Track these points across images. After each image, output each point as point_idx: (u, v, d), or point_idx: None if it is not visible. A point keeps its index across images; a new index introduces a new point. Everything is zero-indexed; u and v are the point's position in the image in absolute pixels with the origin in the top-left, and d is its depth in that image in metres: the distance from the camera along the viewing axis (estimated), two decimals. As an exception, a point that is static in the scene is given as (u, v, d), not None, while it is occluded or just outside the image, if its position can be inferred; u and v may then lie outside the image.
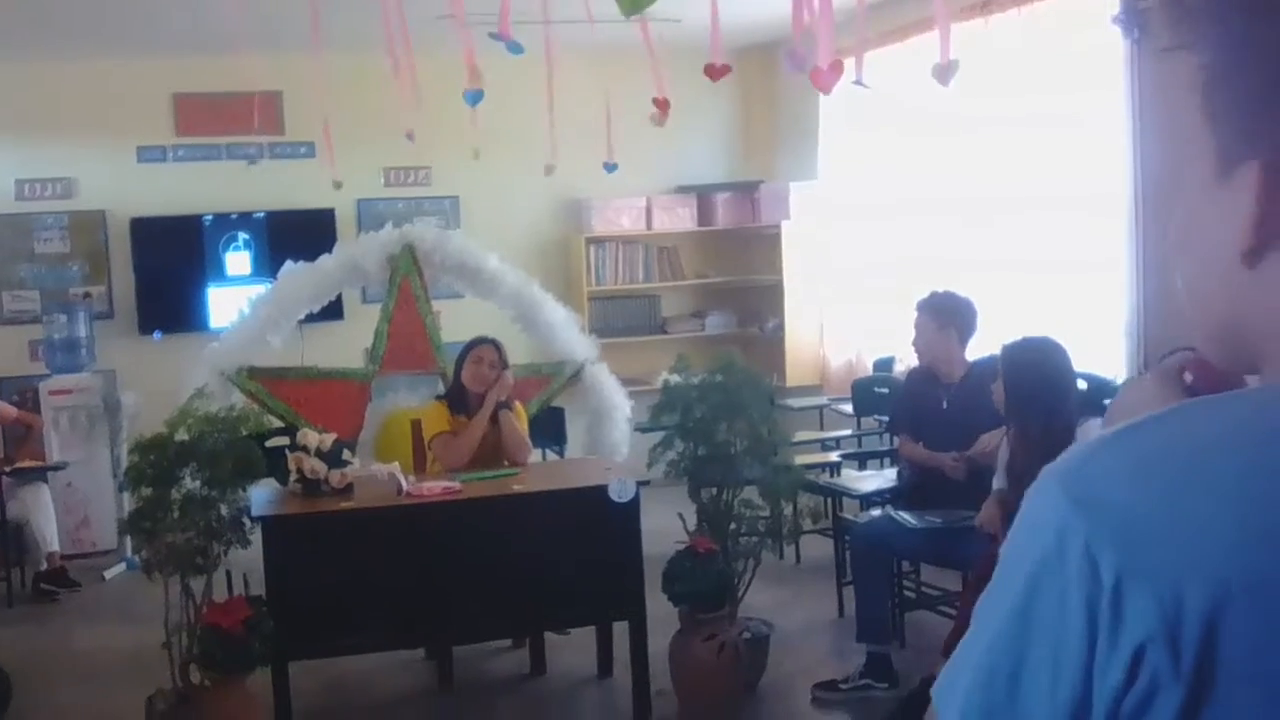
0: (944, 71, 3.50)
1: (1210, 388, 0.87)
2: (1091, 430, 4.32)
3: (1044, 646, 0.74)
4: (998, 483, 4.61)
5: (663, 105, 4.50)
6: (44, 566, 6.85)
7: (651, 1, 2.82)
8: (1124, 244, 5.52)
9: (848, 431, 7.28)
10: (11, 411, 7.26)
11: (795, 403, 7.55)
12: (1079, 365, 4.63)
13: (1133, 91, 5.40)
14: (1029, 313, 5.90)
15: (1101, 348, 5.65)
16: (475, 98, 4.13)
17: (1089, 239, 5.87)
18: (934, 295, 5.27)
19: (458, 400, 5.31)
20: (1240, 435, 0.75)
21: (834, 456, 6.73)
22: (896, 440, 5.72)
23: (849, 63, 3.69)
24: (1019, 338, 4.46)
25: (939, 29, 3.53)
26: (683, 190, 8.91)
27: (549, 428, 6.39)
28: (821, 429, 7.62)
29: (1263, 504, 0.71)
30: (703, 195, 8.89)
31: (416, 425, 5.42)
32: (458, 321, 6.23)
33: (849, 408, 7.25)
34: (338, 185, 5.98)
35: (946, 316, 5.19)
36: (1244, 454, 0.73)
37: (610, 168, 5.71)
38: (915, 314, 5.28)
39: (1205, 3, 0.79)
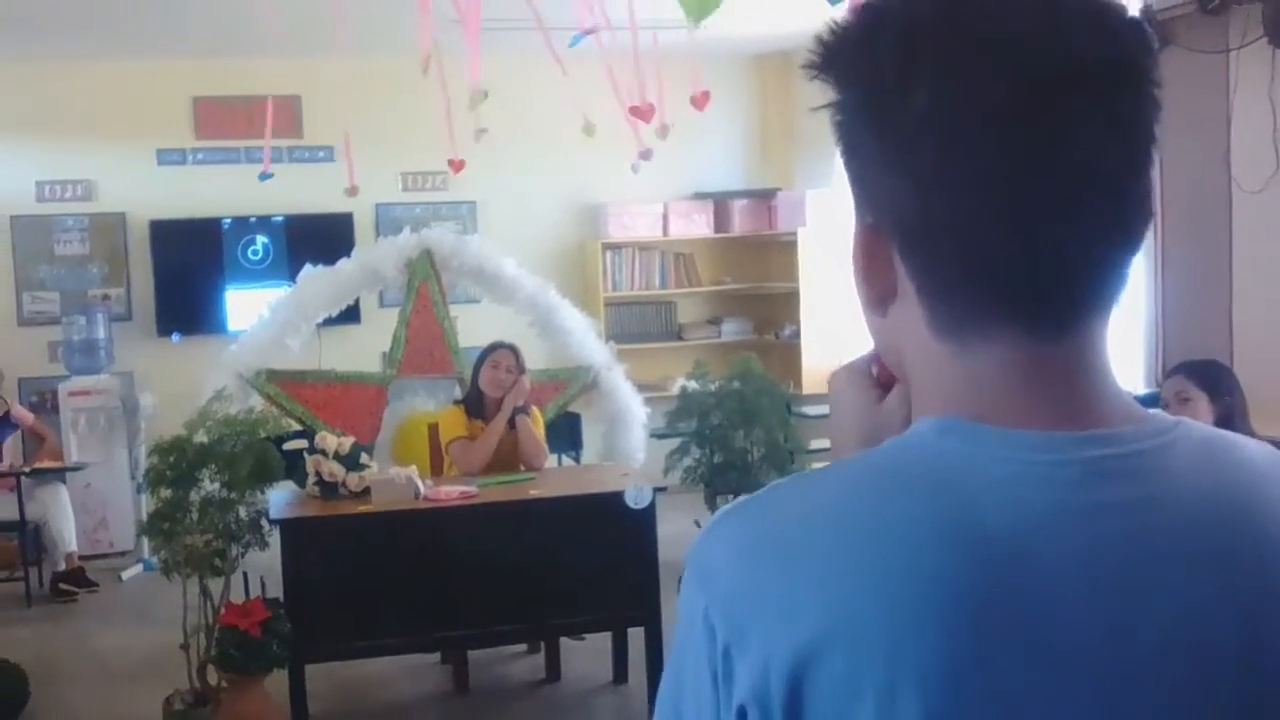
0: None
1: (892, 379, 0.93)
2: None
3: (689, 699, 0.81)
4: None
5: (701, 100, 4.48)
6: (62, 567, 6.88)
7: (717, 6, 2.83)
8: (1143, 253, 5.52)
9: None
10: (29, 418, 7.29)
11: (812, 410, 7.54)
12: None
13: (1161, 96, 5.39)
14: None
15: (1119, 356, 5.65)
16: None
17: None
18: None
19: (475, 405, 5.33)
20: (830, 509, 0.79)
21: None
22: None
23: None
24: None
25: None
26: (699, 197, 8.91)
27: (565, 433, 6.40)
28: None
29: (847, 570, 0.76)
30: (719, 202, 8.89)
31: (434, 429, 5.44)
32: (474, 326, 6.24)
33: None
34: (352, 192, 5.98)
35: None
36: (829, 528, 0.78)
37: (642, 161, 5.65)
38: None
39: (835, 51, 0.84)
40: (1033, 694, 0.74)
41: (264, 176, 6.48)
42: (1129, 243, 0.81)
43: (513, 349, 5.37)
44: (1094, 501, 0.77)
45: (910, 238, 0.81)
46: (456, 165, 5.50)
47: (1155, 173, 0.82)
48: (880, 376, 0.95)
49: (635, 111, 4.94)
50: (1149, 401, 5.02)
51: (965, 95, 0.76)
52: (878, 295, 0.85)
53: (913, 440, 0.82)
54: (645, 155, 5.50)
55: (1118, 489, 0.78)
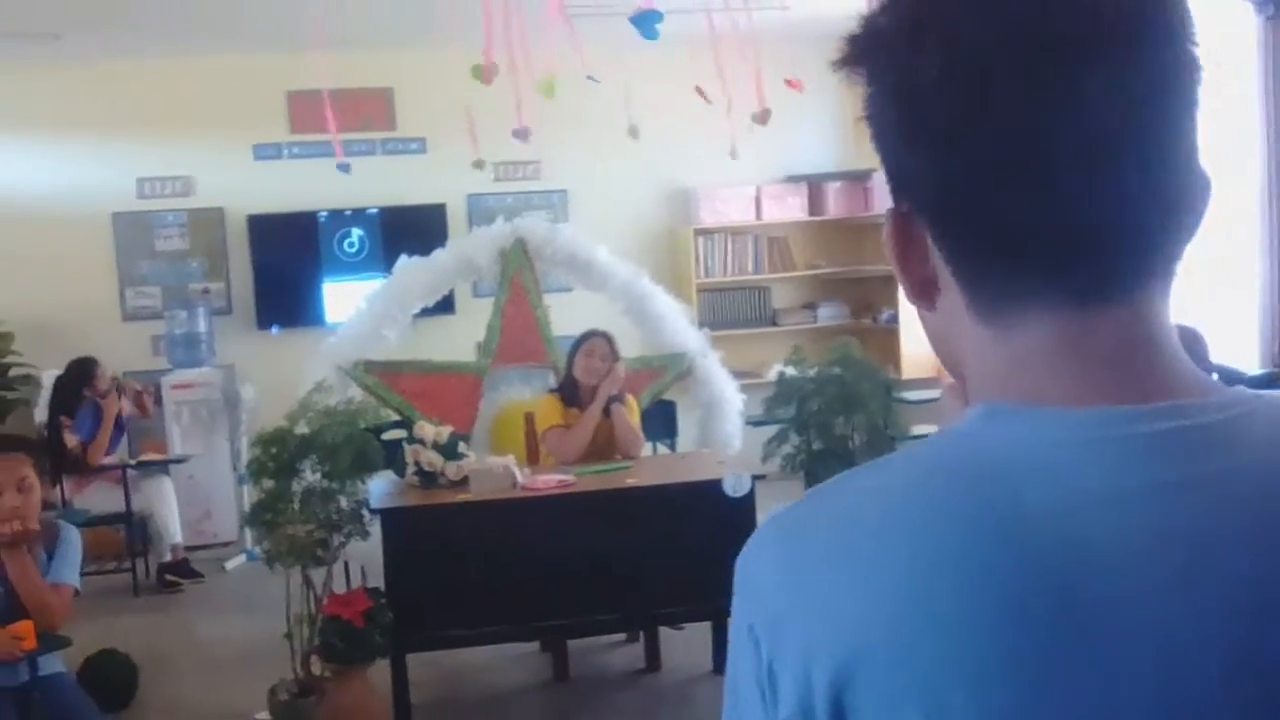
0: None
1: None
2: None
3: (742, 708, 0.80)
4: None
5: (797, 85, 4.43)
6: (168, 558, 7.00)
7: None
8: (1257, 234, 5.33)
9: (965, 424, 7.13)
10: (127, 405, 7.35)
11: (912, 395, 7.41)
12: (1215, 357, 4.51)
13: (1266, 71, 5.20)
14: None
15: (1233, 340, 5.46)
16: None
17: (1220, 228, 5.68)
18: None
19: (570, 393, 5.30)
20: (870, 510, 0.77)
21: (952, 450, 6.59)
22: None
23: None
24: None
25: None
26: (793, 179, 8.81)
27: (660, 421, 6.35)
28: (940, 422, 7.47)
29: (888, 573, 0.73)
30: (813, 184, 8.78)
31: (530, 418, 5.42)
32: (567, 315, 6.22)
33: (966, 400, 7.10)
34: (479, 165, 5.92)
35: None
36: (869, 530, 0.75)
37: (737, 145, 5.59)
38: None
39: (861, 44, 0.84)
40: (1088, 684, 0.70)
41: (342, 167, 6.50)
42: (1170, 212, 0.77)
43: (607, 337, 5.35)
44: (1156, 480, 0.72)
45: (936, 217, 0.80)
46: (523, 133, 5.50)
47: (1197, 137, 0.77)
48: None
49: (792, 85, 4.87)
50: (1262, 383, 4.87)
51: (970, 58, 0.75)
52: (917, 285, 0.83)
53: (957, 430, 0.79)
54: (762, 118, 5.36)
55: (1183, 465, 0.73)
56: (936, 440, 0.80)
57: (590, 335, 5.37)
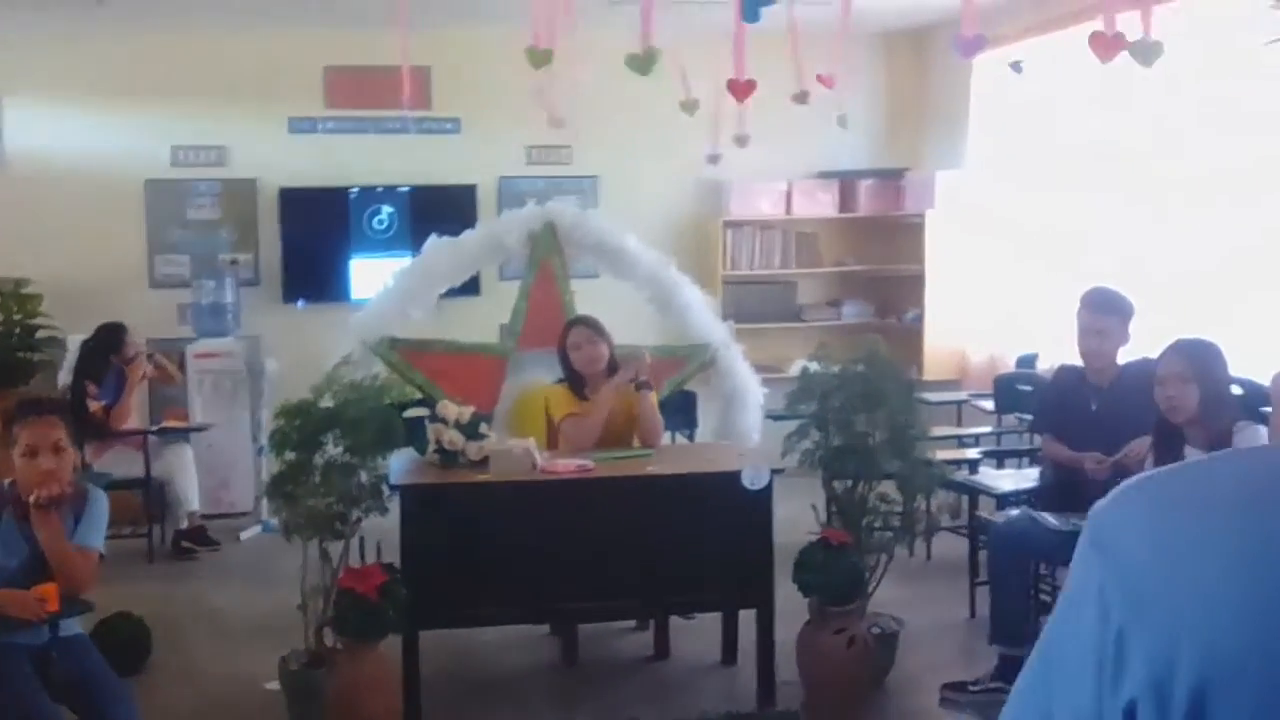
0: (1146, 51, 3.39)
1: None
2: (1248, 435, 4.17)
3: (1062, 694, 0.75)
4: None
5: (827, 82, 4.43)
6: (184, 525, 7.04)
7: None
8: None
9: (987, 428, 7.12)
10: (151, 370, 7.36)
11: (932, 397, 7.40)
12: (1239, 370, 4.49)
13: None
14: (1185, 317, 5.69)
15: (1257, 351, 5.41)
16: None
17: (1253, 244, 5.63)
18: (1103, 291, 5.06)
19: (576, 387, 5.28)
20: (1260, 497, 0.72)
21: (972, 453, 6.58)
22: (1039, 439, 5.56)
23: (1006, 49, 3.60)
24: (1188, 339, 4.38)
25: (1139, 7, 3.41)
26: (824, 175, 8.79)
27: (681, 411, 6.36)
28: (959, 425, 7.46)
29: (1272, 575, 0.68)
30: (845, 181, 8.76)
31: (549, 402, 5.42)
32: (593, 301, 6.21)
33: (988, 404, 7.09)
34: (560, 122, 5.86)
35: (1119, 316, 4.99)
36: (1260, 518, 0.70)
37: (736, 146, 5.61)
38: (1082, 310, 5.05)
39: None
40: None
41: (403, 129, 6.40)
42: None
43: (585, 321, 5.32)
44: None
45: None
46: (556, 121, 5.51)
47: None
48: None
49: (733, 87, 4.88)
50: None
51: None
52: None
53: None
54: (742, 141, 5.46)
55: None
56: None
57: (570, 327, 5.35)
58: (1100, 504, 0.76)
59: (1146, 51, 3.25)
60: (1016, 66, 3.69)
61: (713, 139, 5.64)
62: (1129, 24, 5.77)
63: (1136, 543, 0.73)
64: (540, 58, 4.80)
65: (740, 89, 4.84)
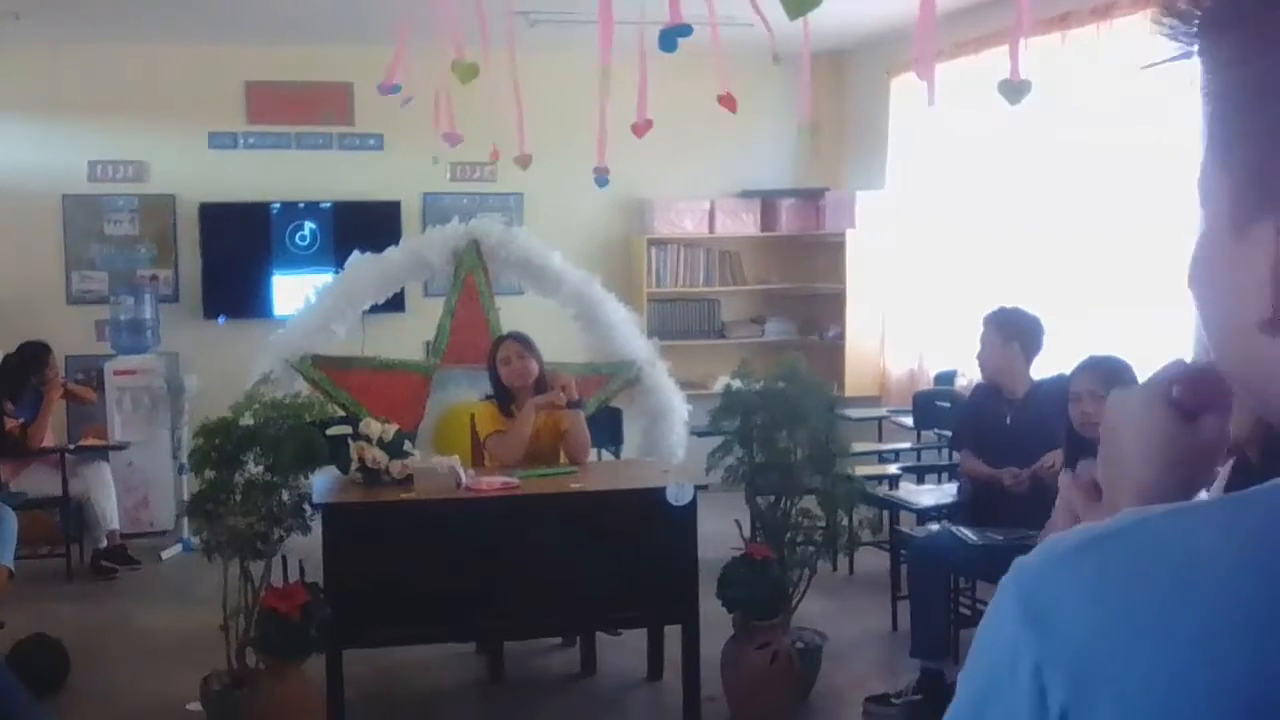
0: (1014, 90, 3.47)
1: (1198, 405, 0.80)
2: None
3: None
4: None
5: (728, 102, 4.48)
6: (104, 544, 6.94)
7: (817, 4, 2.80)
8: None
9: (907, 444, 7.23)
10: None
11: (854, 413, 7.50)
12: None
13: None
14: (1097, 333, 5.82)
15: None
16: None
17: (1160, 260, 5.78)
18: (1001, 310, 5.23)
19: (504, 402, 5.28)
20: (1214, 562, 0.66)
21: (892, 469, 6.68)
22: (958, 455, 5.67)
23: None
24: (1100, 355, 4.48)
25: (1010, 46, 3.50)
26: (747, 195, 8.88)
27: (606, 428, 6.38)
28: (880, 441, 7.57)
29: (1235, 654, 0.63)
30: (767, 200, 8.86)
31: (474, 420, 5.43)
32: (518, 318, 6.23)
33: (908, 420, 7.20)
34: (524, 161, 5.92)
35: (1013, 332, 5.15)
36: (1220, 588, 0.65)
37: (602, 182, 5.72)
38: (981, 328, 5.24)
39: (1208, 15, 0.70)
40: None
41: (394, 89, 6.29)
42: None
43: (515, 337, 5.34)
44: None
45: None
46: (524, 160, 5.55)
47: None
48: (1182, 400, 0.82)
49: (635, 129, 4.96)
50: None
51: None
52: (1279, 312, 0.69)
53: None
54: (601, 182, 5.55)
55: None
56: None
57: (500, 342, 5.36)
58: (1028, 570, 0.70)
59: (1014, 90, 3.34)
60: (930, 99, 3.82)
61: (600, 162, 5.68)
62: (1049, 49, 5.91)
63: (1080, 616, 0.66)
64: (468, 71, 4.82)
65: (639, 129, 4.93)
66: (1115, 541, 0.68)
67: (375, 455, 4.63)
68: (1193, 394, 0.80)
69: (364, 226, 7.88)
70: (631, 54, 4.77)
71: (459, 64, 4.54)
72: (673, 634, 4.85)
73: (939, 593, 5.07)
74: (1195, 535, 0.68)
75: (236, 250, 8.23)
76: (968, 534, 4.93)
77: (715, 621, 4.79)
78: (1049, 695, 0.66)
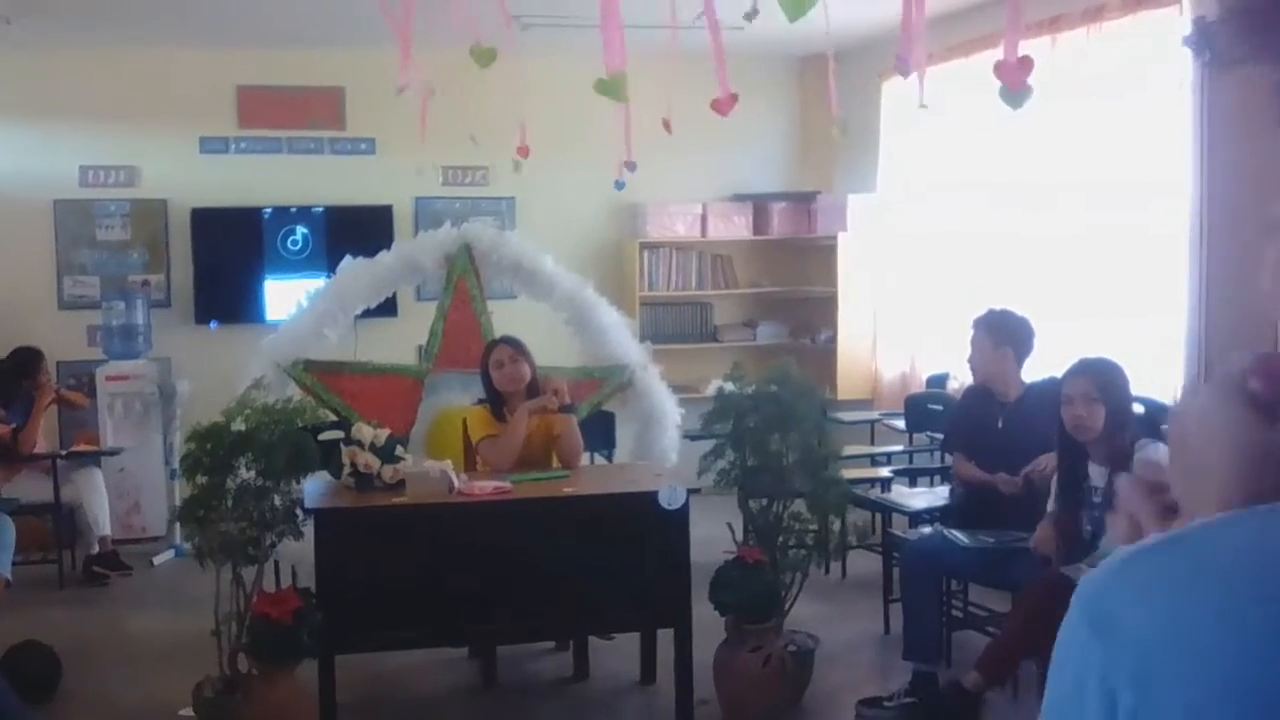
0: (1015, 96, 3.48)
1: (1278, 395, 0.76)
2: (1150, 453, 4.29)
3: None
4: (1052, 505, 4.59)
5: (726, 104, 4.48)
6: (95, 550, 6.93)
7: (814, 4, 2.82)
8: (1185, 272, 5.42)
9: (899, 447, 7.23)
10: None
11: (846, 416, 7.51)
12: (1137, 389, 4.62)
13: (1201, 117, 5.31)
14: (1087, 335, 5.84)
15: (1159, 373, 5.57)
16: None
17: (1151, 263, 5.80)
18: (991, 313, 5.24)
19: (496, 407, 5.29)
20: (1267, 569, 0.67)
21: (884, 472, 6.69)
22: (950, 458, 5.68)
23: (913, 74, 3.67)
24: (1092, 358, 4.49)
25: (1005, 51, 3.50)
26: (739, 198, 8.89)
27: (599, 432, 6.39)
28: (872, 444, 7.58)
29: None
30: (759, 204, 8.87)
31: (466, 424, 5.42)
32: (510, 322, 6.24)
33: (900, 423, 7.21)
34: (522, 152, 5.93)
35: (1003, 335, 5.16)
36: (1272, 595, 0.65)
37: (619, 185, 5.73)
38: (972, 331, 5.25)
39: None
40: None
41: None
42: None
43: (508, 341, 5.34)
44: None
45: None
46: (524, 151, 5.64)
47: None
48: (1261, 392, 0.77)
49: (717, 105, 4.92)
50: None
51: None
52: None
53: None
54: (619, 186, 5.55)
55: None
56: None
57: (493, 346, 5.36)
58: (1092, 581, 0.71)
59: (1014, 97, 3.34)
60: (921, 103, 3.83)
61: (628, 158, 5.67)
62: (1037, 52, 5.92)
63: (1143, 620, 0.67)
64: (485, 56, 4.79)
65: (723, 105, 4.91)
66: (1176, 545, 0.69)
67: (367, 460, 4.63)
68: (1273, 384, 0.76)
69: (356, 231, 7.87)
70: (632, 54, 4.77)
71: (477, 49, 4.52)
72: (665, 638, 4.85)
73: (931, 595, 5.08)
74: (1260, 536, 0.68)
75: (228, 255, 8.22)
76: (959, 537, 4.94)
77: (708, 625, 4.78)
78: (1119, 698, 0.67)
